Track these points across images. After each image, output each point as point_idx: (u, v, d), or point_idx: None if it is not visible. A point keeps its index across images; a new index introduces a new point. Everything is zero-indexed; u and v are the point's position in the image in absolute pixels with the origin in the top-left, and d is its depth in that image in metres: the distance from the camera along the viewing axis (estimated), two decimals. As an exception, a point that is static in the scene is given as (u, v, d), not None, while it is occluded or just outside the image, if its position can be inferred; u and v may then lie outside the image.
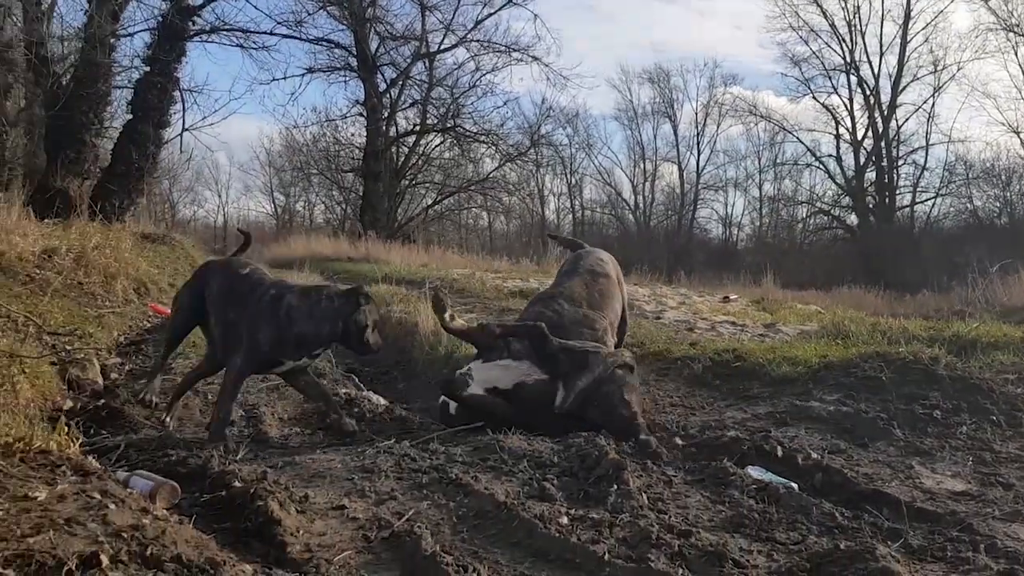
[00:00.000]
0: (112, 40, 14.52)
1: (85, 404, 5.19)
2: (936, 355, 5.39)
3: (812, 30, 42.60)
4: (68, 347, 6.45)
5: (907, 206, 41.84)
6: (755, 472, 3.77)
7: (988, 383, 5.02)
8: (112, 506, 2.81)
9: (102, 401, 5.25)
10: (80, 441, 3.81)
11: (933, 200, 41.53)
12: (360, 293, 4.71)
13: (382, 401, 5.66)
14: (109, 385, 5.95)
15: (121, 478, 3.35)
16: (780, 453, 3.98)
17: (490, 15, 30.91)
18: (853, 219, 43.36)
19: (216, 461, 3.69)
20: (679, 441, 4.40)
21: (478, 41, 31.87)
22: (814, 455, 3.95)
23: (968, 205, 40.12)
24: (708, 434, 4.46)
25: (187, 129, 16.78)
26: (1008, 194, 38.64)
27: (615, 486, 3.41)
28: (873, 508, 3.40)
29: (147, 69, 15.53)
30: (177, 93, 16.04)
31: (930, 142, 41.09)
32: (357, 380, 6.53)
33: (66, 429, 3.87)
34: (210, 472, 3.53)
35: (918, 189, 41.67)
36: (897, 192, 41.70)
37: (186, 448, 4.15)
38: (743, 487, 3.54)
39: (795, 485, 3.62)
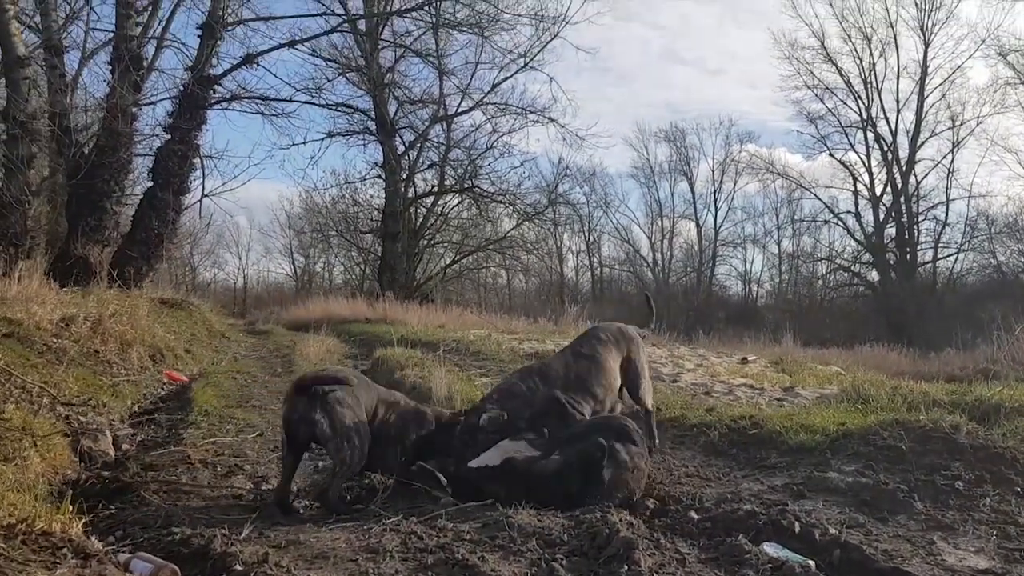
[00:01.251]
0: (134, 110, 14.80)
1: (95, 476, 5.15)
2: (957, 423, 5.26)
3: (827, 88, 43.13)
4: (81, 417, 6.44)
5: (929, 262, 41.73)
6: (771, 549, 3.66)
7: (1012, 452, 4.88)
8: (109, 593, 2.76)
9: (110, 474, 5.21)
10: (84, 521, 3.78)
11: (955, 256, 41.46)
12: None
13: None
14: (120, 457, 5.92)
15: (122, 560, 3.31)
16: (797, 529, 3.87)
17: (506, 79, 31.44)
18: (874, 275, 43.23)
19: (219, 542, 3.63)
20: (694, 515, 4.29)
21: (495, 104, 32.37)
22: (832, 530, 3.83)
23: (991, 260, 39.97)
24: (723, 507, 4.35)
25: (207, 195, 17.01)
26: (1032, 249, 38.40)
27: (626, 566, 3.32)
28: (893, 588, 3.30)
29: (168, 137, 15.80)
30: (197, 160, 16.28)
31: (950, 197, 41.21)
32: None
33: (71, 508, 3.84)
34: (212, 553, 3.47)
35: (939, 245, 41.60)
36: (918, 248, 41.67)
37: (191, 525, 4.09)
38: (758, 566, 3.44)
39: (812, 563, 3.51)
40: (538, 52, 29.60)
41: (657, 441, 5.87)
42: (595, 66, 77.39)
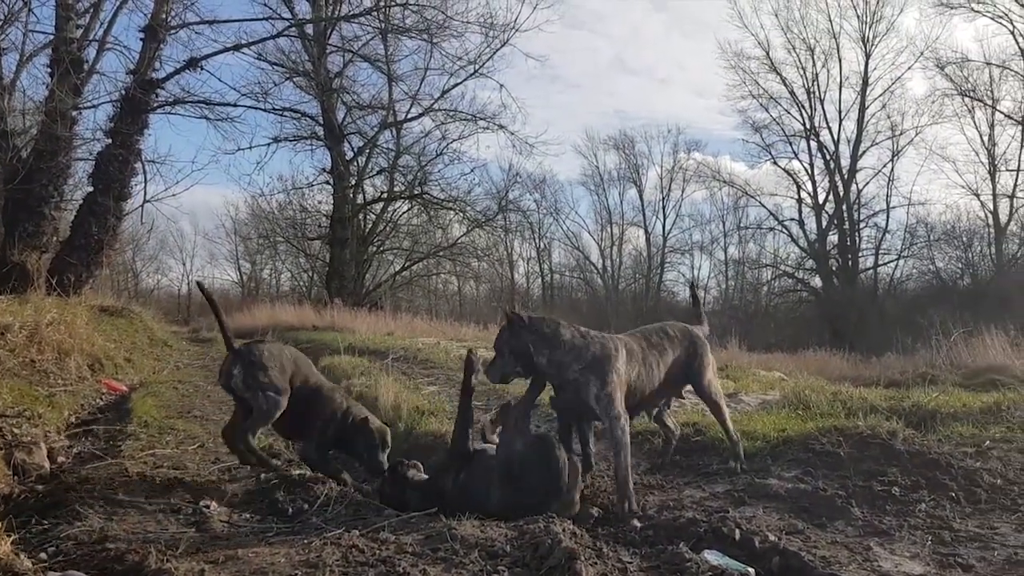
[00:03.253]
0: (74, 113, 14.47)
1: (28, 491, 5.02)
2: (894, 429, 5.38)
3: (772, 97, 43.81)
4: (15, 429, 6.26)
5: (870, 268, 42.60)
6: (712, 557, 3.69)
7: (947, 457, 5.01)
8: (36, 615, 2.68)
9: (44, 487, 5.07)
10: (14, 538, 3.67)
11: (895, 262, 42.40)
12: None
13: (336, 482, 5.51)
14: (55, 470, 5.77)
15: (52, 580, 3.22)
16: (738, 536, 3.90)
17: (456, 85, 31.45)
18: (817, 281, 44.01)
19: (154, 558, 3.55)
20: (636, 523, 4.31)
21: (444, 110, 32.36)
22: (771, 537, 3.88)
23: (931, 267, 40.97)
24: (665, 515, 4.39)
25: (148, 200, 16.66)
26: (970, 255, 39.53)
27: (567, 577, 3.32)
28: (830, 595, 3.35)
29: (108, 142, 15.46)
30: (139, 165, 15.97)
31: (891, 205, 42.13)
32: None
33: (0, 524, 3.74)
34: (147, 570, 3.39)
35: (880, 251, 42.53)
36: (860, 254, 42.49)
37: (127, 541, 3.99)
38: (699, 574, 3.46)
39: (752, 571, 3.55)
40: (488, 59, 29.67)
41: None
42: (544, 74, 77.90)
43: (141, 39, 15.98)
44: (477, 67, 29.87)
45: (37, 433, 6.36)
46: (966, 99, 38.68)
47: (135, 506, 4.87)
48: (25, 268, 13.27)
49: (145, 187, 16.45)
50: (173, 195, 17.04)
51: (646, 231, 51.65)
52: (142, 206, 16.79)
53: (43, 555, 3.82)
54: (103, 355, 10.63)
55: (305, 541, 3.93)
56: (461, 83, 31.29)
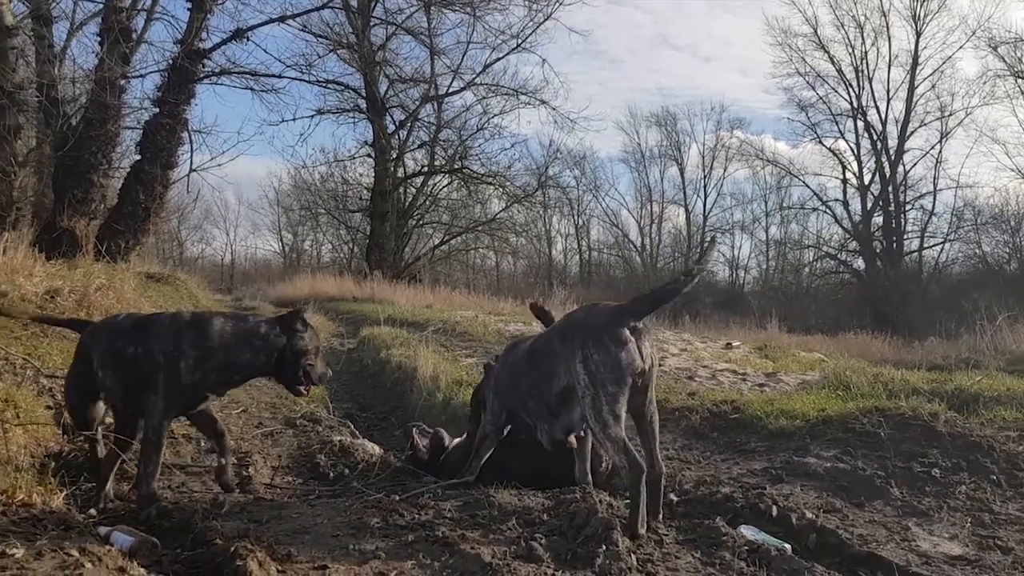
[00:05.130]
0: (122, 82, 14.61)
1: (78, 449, 5.15)
2: (936, 411, 5.33)
3: (819, 75, 43.04)
4: (65, 390, 6.42)
5: (915, 251, 41.88)
6: (748, 532, 3.70)
7: (989, 440, 4.95)
8: (89, 565, 2.78)
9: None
10: (65, 493, 3.79)
11: (941, 245, 41.56)
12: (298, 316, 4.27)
13: (377, 449, 5.60)
14: (103, 430, 5.90)
15: (103, 533, 3.32)
16: (775, 512, 3.91)
17: (498, 59, 31.32)
18: (860, 263, 43.35)
19: (200, 516, 3.64)
20: (673, 497, 4.33)
21: (486, 84, 32.22)
22: (809, 515, 3.88)
23: (977, 251, 40.11)
24: (702, 490, 4.39)
25: (194, 170, 16.81)
26: (1017, 240, 38.59)
27: (604, 546, 3.35)
28: (867, 572, 3.35)
29: (156, 111, 15.61)
30: (185, 134, 16.09)
31: (938, 187, 41.25)
32: (352, 427, 6.47)
33: (52, 480, 3.85)
34: (193, 528, 3.49)
35: (926, 234, 41.71)
36: (905, 237, 41.79)
37: (173, 499, 4.11)
38: (735, 548, 3.47)
39: (788, 547, 3.56)
40: (531, 33, 29.48)
41: None
42: (587, 49, 77.24)
43: (188, 9, 16.06)
44: (520, 41, 29.75)
45: (86, 394, 6.52)
46: (1019, 80, 37.67)
47: (180, 467, 5.00)
48: (74, 234, 13.52)
49: (191, 156, 16.62)
50: (218, 165, 17.20)
51: (686, 209, 51.22)
52: (188, 175, 16.96)
53: (92, 511, 3.94)
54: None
55: (346, 504, 4.01)
56: (503, 57, 31.20)
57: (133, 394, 4.06)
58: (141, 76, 16.28)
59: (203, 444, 5.41)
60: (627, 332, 3.61)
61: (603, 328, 3.65)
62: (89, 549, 2.89)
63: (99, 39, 14.71)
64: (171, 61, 15.72)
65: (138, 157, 15.72)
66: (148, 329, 4.09)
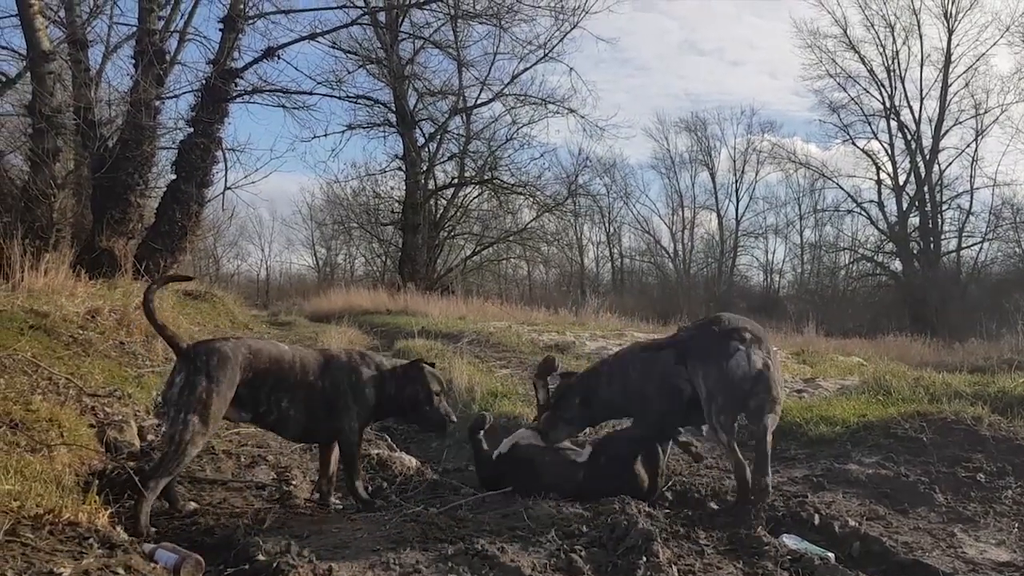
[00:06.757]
0: (157, 103, 14.86)
1: (121, 467, 5.21)
2: (979, 414, 5.25)
3: (850, 76, 42.64)
4: (107, 408, 6.51)
5: (953, 251, 41.25)
6: (790, 541, 3.67)
7: (1034, 444, 4.87)
8: (135, 582, 2.81)
9: (136, 464, 5.27)
10: (110, 511, 3.84)
11: (979, 245, 40.94)
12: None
13: (414, 462, 5.62)
14: (145, 447, 5.98)
15: (147, 551, 3.35)
16: (817, 521, 3.88)
17: (526, 70, 31.33)
18: (897, 265, 42.79)
19: (242, 532, 3.68)
20: (713, 506, 4.31)
21: (514, 95, 32.26)
22: (852, 522, 3.84)
23: (1016, 249, 39.43)
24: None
25: (229, 187, 16.97)
26: (1058, 237, 37.93)
27: (644, 558, 3.33)
28: (913, 581, 3.30)
29: (190, 130, 15.84)
30: (220, 153, 16.31)
31: (975, 186, 40.68)
32: (390, 440, 6.50)
33: (97, 499, 3.91)
34: (235, 543, 3.52)
35: (963, 234, 41.09)
36: (942, 237, 41.18)
37: (215, 516, 4.15)
38: (777, 558, 3.44)
39: (831, 555, 3.52)
40: (557, 43, 29.47)
41: None
42: (614, 57, 77.02)
43: (220, 30, 16.31)
44: (547, 51, 29.72)
45: (127, 412, 6.60)
46: (1055, 75, 37.09)
47: (222, 483, 5.05)
48: (113, 254, 13.72)
49: (226, 174, 16.81)
50: (252, 182, 17.34)
51: (718, 214, 50.96)
52: (223, 193, 17.14)
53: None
54: (188, 337, 10.93)
55: (385, 518, 4.02)
56: (531, 67, 31.19)
57: None
58: (175, 97, 16.51)
59: (242, 460, 5.46)
60: None
61: None
62: (135, 566, 2.93)
63: (133, 61, 14.96)
64: (204, 81, 15.94)
65: (174, 177, 15.96)
66: None
